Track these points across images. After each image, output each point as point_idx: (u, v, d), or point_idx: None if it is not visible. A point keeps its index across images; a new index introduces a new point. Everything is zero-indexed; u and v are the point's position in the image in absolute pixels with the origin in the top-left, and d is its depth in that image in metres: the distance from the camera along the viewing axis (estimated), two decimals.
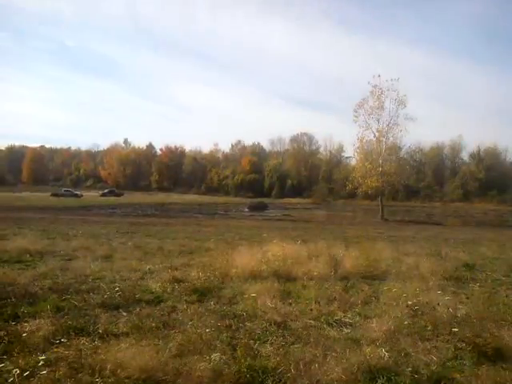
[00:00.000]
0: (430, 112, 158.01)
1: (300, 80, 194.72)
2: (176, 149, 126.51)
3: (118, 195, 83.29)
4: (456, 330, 5.78)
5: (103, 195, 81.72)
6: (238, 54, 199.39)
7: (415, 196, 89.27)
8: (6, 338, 5.12)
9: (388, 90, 44.30)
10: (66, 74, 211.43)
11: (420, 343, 5.42)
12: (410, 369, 4.57)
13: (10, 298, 6.80)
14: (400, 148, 53.29)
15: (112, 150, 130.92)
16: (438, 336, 5.70)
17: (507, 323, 6.25)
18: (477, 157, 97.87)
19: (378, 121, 45.28)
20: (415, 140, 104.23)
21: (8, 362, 4.50)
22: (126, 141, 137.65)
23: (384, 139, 45.52)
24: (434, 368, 4.66)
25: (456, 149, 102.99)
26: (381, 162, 45.20)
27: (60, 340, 5.18)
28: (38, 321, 5.71)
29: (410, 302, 6.97)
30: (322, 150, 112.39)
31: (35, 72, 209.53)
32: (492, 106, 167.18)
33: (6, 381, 4.06)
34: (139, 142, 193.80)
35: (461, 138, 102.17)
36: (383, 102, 44.80)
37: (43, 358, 4.57)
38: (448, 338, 5.57)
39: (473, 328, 5.68)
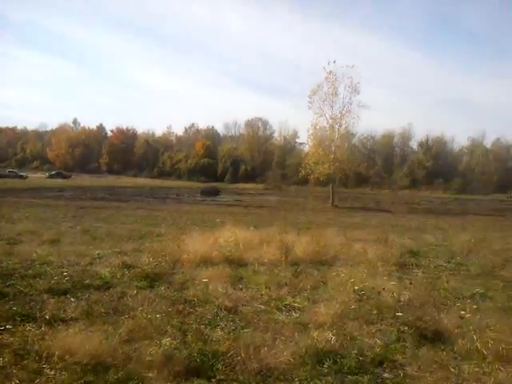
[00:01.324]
0: (383, 100, 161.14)
1: (257, 64, 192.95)
2: (128, 131, 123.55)
3: (66, 177, 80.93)
4: (399, 314, 6.03)
5: (50, 177, 79.08)
6: (194, 34, 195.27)
7: (365, 183, 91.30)
8: None
9: (342, 76, 44.65)
10: (10, 49, 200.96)
11: (365, 327, 5.64)
12: (355, 351, 4.75)
13: None
14: (352, 135, 54.18)
15: (60, 131, 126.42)
16: (382, 320, 5.93)
17: (446, 307, 6.58)
18: (425, 145, 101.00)
19: (332, 107, 45.55)
20: (367, 128, 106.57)
21: None
22: (75, 121, 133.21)
23: (337, 126, 45.99)
24: (377, 350, 4.86)
25: (406, 137, 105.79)
26: (333, 148, 45.70)
27: (5, 327, 5.06)
28: None
29: (356, 287, 7.19)
30: (276, 135, 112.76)
31: None
32: (440, 95, 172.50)
33: None
34: (89, 122, 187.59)
35: (411, 127, 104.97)
36: (337, 89, 45.12)
37: None
38: (392, 322, 5.81)
39: (415, 312, 5.94)
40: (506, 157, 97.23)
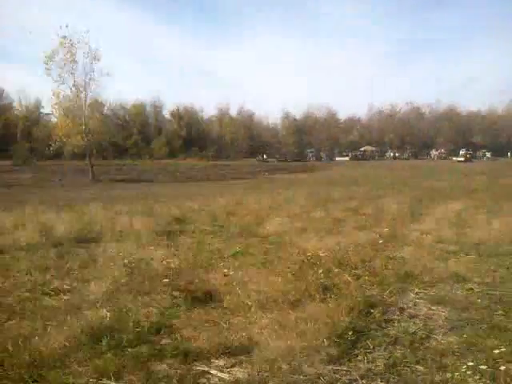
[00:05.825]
0: (130, 70, 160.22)
1: None
2: None
3: None
4: (166, 280, 6.33)
5: None
6: None
7: (124, 154, 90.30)
8: None
9: (79, 42, 42.33)
10: None
11: (139, 298, 5.77)
12: (131, 323, 4.83)
13: None
14: (102, 105, 52.61)
15: None
16: (155, 289, 6.13)
17: (213, 268, 7.15)
18: (177, 115, 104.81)
19: (74, 75, 43.24)
20: (119, 97, 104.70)
21: None
22: None
23: (83, 95, 43.97)
24: (153, 319, 5.04)
25: (157, 107, 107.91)
26: (83, 119, 43.73)
27: None
28: None
29: (126, 261, 7.27)
30: (16, 104, 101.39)
31: None
32: (186, 68, 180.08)
33: None
34: None
35: (161, 96, 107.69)
36: (75, 55, 42.75)
37: None
38: (164, 290, 6.06)
39: (185, 277, 6.30)
40: (250, 124, 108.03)
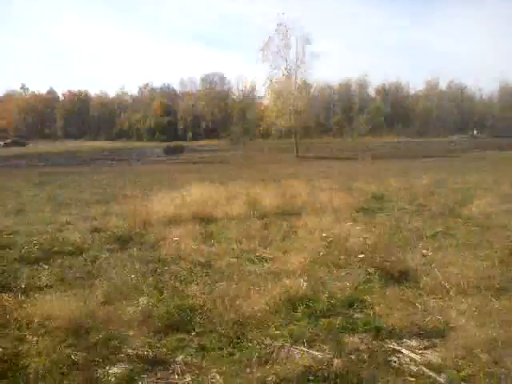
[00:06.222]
0: (337, 49, 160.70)
1: (207, 18, 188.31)
2: (80, 93, 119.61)
3: (22, 145, 78.25)
4: (361, 256, 6.29)
5: (6, 146, 76.25)
6: None
7: (327, 132, 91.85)
8: None
9: (293, 27, 44.17)
10: None
11: (335, 271, 5.88)
12: (326, 295, 4.96)
13: None
14: (310, 86, 54.16)
15: (8, 98, 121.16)
16: (350, 264, 6.18)
17: (410, 247, 6.90)
18: (382, 92, 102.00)
19: (286, 59, 45.37)
20: (324, 78, 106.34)
21: None
22: (23, 87, 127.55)
23: (293, 78, 45.91)
24: (347, 292, 5.11)
25: (363, 85, 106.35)
26: (292, 100, 45.69)
27: None
28: None
29: (324, 235, 7.42)
30: (234, 90, 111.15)
31: None
32: (393, 41, 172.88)
33: None
34: (39, 87, 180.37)
35: (367, 74, 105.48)
36: (289, 41, 44.79)
37: None
38: (359, 265, 6.06)
39: (381, 254, 6.20)
40: (460, 98, 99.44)
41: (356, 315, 4.58)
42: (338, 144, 63.46)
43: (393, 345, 3.96)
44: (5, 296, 5.09)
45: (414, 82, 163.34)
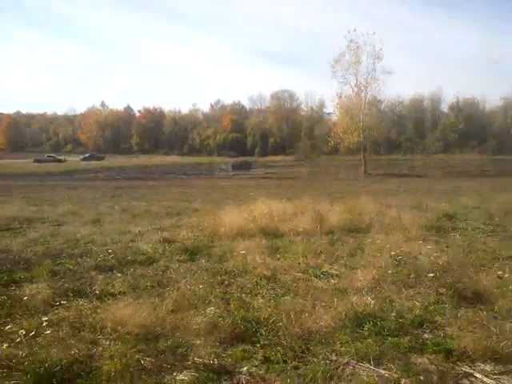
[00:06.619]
0: (409, 65, 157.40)
1: (276, 36, 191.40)
2: (155, 110, 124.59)
3: (100, 159, 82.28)
4: (431, 275, 6.08)
5: (84, 159, 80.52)
6: (209, 8, 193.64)
7: (397, 149, 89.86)
8: (8, 302, 5.30)
9: (364, 44, 43.96)
10: (25, 35, 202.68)
11: (403, 290, 5.71)
12: (394, 314, 4.85)
13: (5, 265, 6.94)
14: (380, 102, 53.49)
15: (90, 114, 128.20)
16: (420, 283, 5.99)
17: (485, 268, 6.59)
18: (456, 108, 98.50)
19: (356, 75, 45.11)
20: (395, 93, 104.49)
21: (12, 325, 4.69)
22: (103, 104, 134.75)
23: (363, 94, 45.53)
24: (416, 312, 4.94)
25: (435, 101, 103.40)
26: (361, 116, 45.29)
27: (59, 302, 5.37)
28: (35, 285, 5.88)
29: (393, 253, 7.25)
30: (303, 106, 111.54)
31: None
32: (468, 55, 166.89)
33: (13, 341, 4.24)
34: (117, 104, 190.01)
35: (440, 90, 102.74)
36: (360, 57, 44.55)
37: (46, 319, 4.74)
38: (430, 285, 5.86)
39: (453, 274, 5.97)
40: None
41: (425, 335, 4.43)
42: (409, 161, 61.81)
43: (464, 368, 3.79)
44: (81, 301, 5.39)
45: (490, 99, 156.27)
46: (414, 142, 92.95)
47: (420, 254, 7.17)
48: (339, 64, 45.26)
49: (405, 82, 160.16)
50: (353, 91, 45.70)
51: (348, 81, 45.30)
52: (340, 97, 46.63)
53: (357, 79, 45.10)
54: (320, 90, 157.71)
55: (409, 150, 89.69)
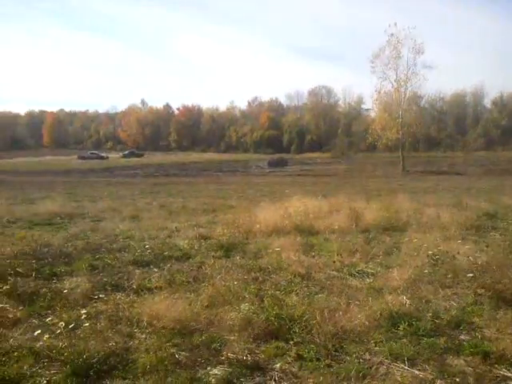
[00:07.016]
0: (451, 59, 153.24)
1: (313, 32, 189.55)
2: (193, 107, 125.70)
3: (139, 156, 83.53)
4: (476, 277, 5.95)
5: (124, 156, 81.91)
6: (247, 5, 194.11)
7: (436, 146, 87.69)
8: (49, 295, 5.49)
9: (405, 38, 43.10)
10: (73, 35, 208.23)
11: (440, 290, 5.62)
12: (430, 314, 4.78)
13: (47, 259, 7.19)
14: (420, 97, 52.37)
15: (130, 112, 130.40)
16: (458, 283, 5.88)
17: None
18: (499, 103, 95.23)
19: (396, 71, 44.31)
20: (436, 89, 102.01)
21: (52, 317, 4.86)
22: (143, 101, 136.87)
23: (403, 89, 44.69)
24: (453, 313, 4.86)
25: (478, 96, 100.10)
26: (400, 112, 44.52)
27: (98, 295, 5.54)
28: (75, 279, 6.10)
29: (430, 252, 7.14)
30: (340, 102, 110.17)
31: (42, 34, 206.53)
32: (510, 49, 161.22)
33: (54, 332, 4.40)
34: (156, 102, 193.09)
35: (483, 85, 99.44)
36: (400, 51, 43.71)
37: (84, 311, 4.89)
38: (468, 285, 5.75)
39: (493, 275, 5.82)
40: None
41: (462, 337, 4.35)
42: (449, 158, 60.36)
43: (503, 371, 3.70)
44: (118, 295, 5.54)
45: None
46: (454, 139, 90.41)
47: (458, 253, 7.02)
48: (379, 59, 44.60)
49: (446, 77, 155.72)
50: (392, 87, 44.94)
51: (387, 76, 44.58)
52: (379, 92, 45.95)
53: (397, 74, 44.34)
54: (358, 86, 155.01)
55: (449, 146, 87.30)
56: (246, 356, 4.02)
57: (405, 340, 4.25)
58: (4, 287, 5.53)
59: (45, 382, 3.60)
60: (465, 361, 3.87)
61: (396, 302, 5.07)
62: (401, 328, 4.47)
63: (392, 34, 43.25)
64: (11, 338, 4.42)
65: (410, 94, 45.67)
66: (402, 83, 44.38)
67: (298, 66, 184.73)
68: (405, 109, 44.84)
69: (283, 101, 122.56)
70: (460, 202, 13.48)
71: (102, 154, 79.84)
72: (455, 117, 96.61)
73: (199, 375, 3.73)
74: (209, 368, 3.85)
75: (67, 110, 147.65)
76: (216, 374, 3.73)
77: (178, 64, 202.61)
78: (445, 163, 51.93)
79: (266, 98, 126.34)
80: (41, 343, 4.21)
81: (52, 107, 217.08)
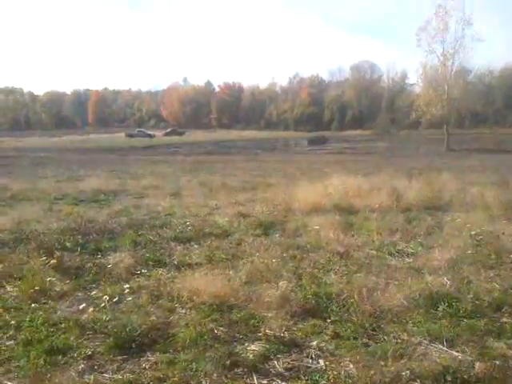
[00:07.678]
0: (502, 29, 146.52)
1: (356, 3, 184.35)
2: (234, 85, 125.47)
3: (180, 134, 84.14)
4: None
5: (166, 135, 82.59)
6: None
7: (483, 123, 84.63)
8: (93, 270, 5.71)
9: (452, 9, 41.27)
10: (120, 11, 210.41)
11: (483, 271, 5.51)
12: (471, 295, 4.70)
13: (92, 234, 7.44)
14: (468, 72, 50.35)
15: (171, 90, 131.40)
16: (501, 265, 5.76)
17: None
18: None
19: (443, 44, 42.62)
20: (485, 62, 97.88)
21: (97, 291, 5.06)
22: (185, 79, 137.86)
23: (449, 63, 43.03)
24: (495, 295, 4.76)
25: None
26: (446, 88, 42.96)
27: (140, 271, 5.71)
28: (118, 254, 6.28)
29: (473, 232, 7.00)
30: (384, 77, 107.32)
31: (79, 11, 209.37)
32: None
33: (98, 306, 4.59)
34: (198, 80, 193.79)
35: None
36: (448, 23, 41.90)
37: (127, 286, 5.07)
38: None
39: None
40: None
41: (504, 319, 4.27)
42: (497, 135, 58.15)
43: None
44: (160, 271, 5.70)
45: None
46: (502, 115, 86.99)
47: (503, 234, 6.86)
48: (425, 32, 42.91)
49: (497, 49, 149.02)
50: (438, 60, 43.29)
51: (434, 50, 42.91)
52: (424, 67, 44.44)
53: (443, 48, 42.62)
54: (403, 61, 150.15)
55: (497, 123, 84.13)
56: (284, 333, 4.08)
57: (444, 321, 4.21)
58: (51, 261, 5.75)
59: (89, 352, 3.76)
60: (506, 344, 3.81)
61: (436, 282, 5.03)
62: (440, 309, 4.43)
63: (439, 5, 41.53)
64: (58, 310, 4.63)
65: (458, 68, 43.96)
66: (449, 57, 42.71)
67: (341, 40, 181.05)
68: (451, 84, 43.20)
69: (325, 77, 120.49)
70: (506, 181, 13.06)
71: (149, 133, 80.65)
72: (504, 92, 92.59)
73: (237, 350, 3.80)
74: (246, 344, 3.92)
75: (111, 88, 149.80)
76: (254, 350, 3.80)
77: (220, 41, 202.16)
78: (492, 141, 50.09)
79: (307, 73, 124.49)
80: (86, 316, 4.39)
81: (96, 85, 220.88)
